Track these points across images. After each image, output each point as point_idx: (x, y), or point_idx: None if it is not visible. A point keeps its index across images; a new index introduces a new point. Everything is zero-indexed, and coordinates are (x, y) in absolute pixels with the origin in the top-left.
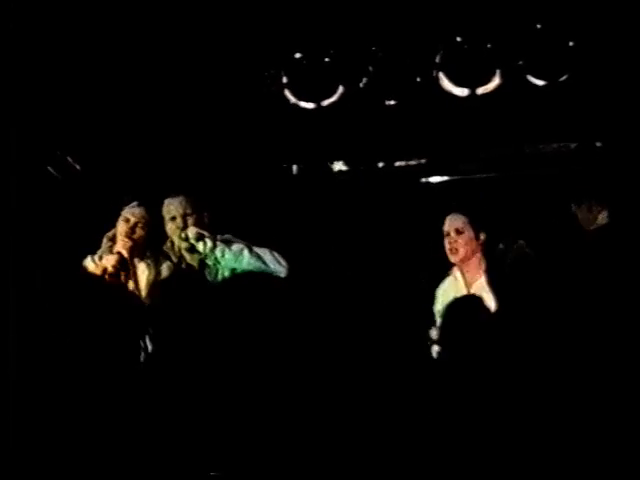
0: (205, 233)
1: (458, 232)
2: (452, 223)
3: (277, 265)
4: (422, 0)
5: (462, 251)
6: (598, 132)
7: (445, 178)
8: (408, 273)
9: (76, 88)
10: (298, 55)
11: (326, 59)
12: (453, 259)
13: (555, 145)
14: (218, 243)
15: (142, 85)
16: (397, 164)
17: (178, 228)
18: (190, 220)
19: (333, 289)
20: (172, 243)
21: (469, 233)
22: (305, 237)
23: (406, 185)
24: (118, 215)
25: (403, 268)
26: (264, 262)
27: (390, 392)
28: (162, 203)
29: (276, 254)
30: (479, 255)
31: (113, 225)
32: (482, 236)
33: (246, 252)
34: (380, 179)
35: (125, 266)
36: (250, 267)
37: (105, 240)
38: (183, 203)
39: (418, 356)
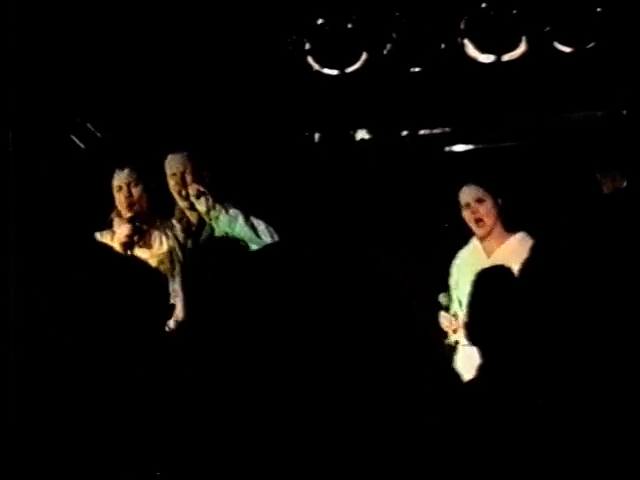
0: (206, 191)
1: (480, 201)
2: (471, 194)
3: (269, 239)
4: None
5: (488, 221)
6: (625, 100)
7: (470, 147)
8: (431, 244)
9: (94, 54)
10: (321, 21)
11: (349, 25)
12: (480, 232)
13: (581, 113)
14: (217, 204)
15: (163, 52)
16: (421, 132)
17: (177, 184)
18: (189, 178)
19: (353, 257)
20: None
21: (490, 201)
22: (326, 205)
23: (430, 154)
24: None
25: (426, 238)
26: (256, 233)
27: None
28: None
29: (271, 229)
30: (500, 223)
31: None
32: (500, 201)
33: (241, 218)
34: (403, 147)
35: (139, 233)
36: (242, 234)
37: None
38: (183, 159)
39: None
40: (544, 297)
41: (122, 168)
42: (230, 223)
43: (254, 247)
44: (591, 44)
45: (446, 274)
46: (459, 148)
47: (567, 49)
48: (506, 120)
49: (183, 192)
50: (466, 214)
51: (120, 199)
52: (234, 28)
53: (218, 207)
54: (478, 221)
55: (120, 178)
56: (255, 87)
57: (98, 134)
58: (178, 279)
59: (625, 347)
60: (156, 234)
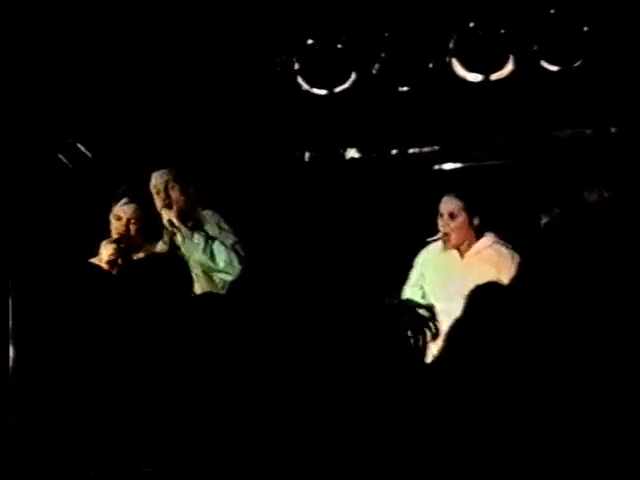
0: (174, 221)
1: (452, 216)
2: (446, 206)
3: (228, 266)
4: None
5: (454, 237)
6: (612, 118)
7: (458, 165)
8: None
9: (85, 74)
10: (310, 41)
11: (338, 45)
12: (446, 244)
13: (569, 131)
14: (184, 229)
15: (153, 71)
16: (410, 151)
17: (162, 201)
18: (174, 194)
19: (342, 276)
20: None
21: (462, 218)
22: (316, 225)
23: (419, 172)
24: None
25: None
26: (214, 260)
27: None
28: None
29: (234, 255)
30: (470, 240)
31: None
32: (476, 221)
33: (201, 246)
34: (393, 166)
35: (123, 255)
36: (200, 261)
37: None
38: (165, 176)
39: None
40: (535, 306)
41: (127, 202)
42: (190, 249)
43: (214, 274)
44: (578, 62)
45: None
46: (448, 166)
47: (554, 68)
48: (494, 138)
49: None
50: (439, 222)
51: (115, 227)
52: (224, 48)
53: (184, 231)
54: (445, 234)
55: (124, 210)
56: (245, 106)
57: (88, 154)
58: None
59: (613, 350)
60: (140, 255)
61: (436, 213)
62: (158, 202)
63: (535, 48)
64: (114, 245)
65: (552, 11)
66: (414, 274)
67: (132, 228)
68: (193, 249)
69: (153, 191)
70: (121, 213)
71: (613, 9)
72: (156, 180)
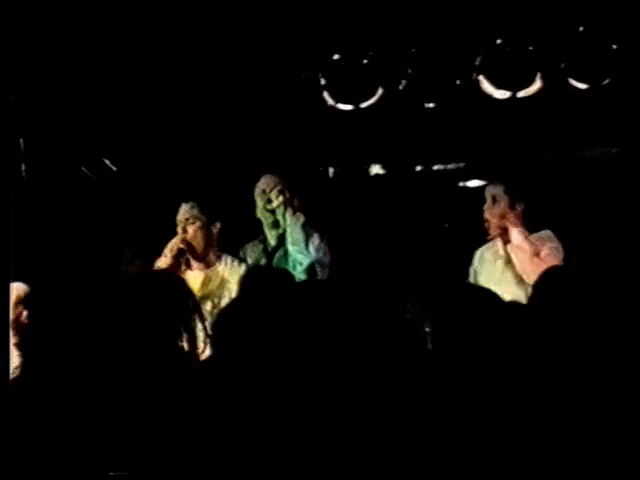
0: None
1: (494, 200)
2: (490, 190)
3: (312, 253)
4: (462, 2)
5: (494, 223)
6: None
7: (484, 182)
8: (445, 278)
9: (110, 88)
10: (336, 57)
11: (365, 61)
12: (489, 234)
13: (597, 149)
14: (290, 208)
15: (178, 87)
16: (435, 168)
17: (263, 200)
18: (191, 228)
19: (366, 292)
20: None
21: (504, 203)
22: (340, 240)
23: (444, 189)
24: (153, 215)
25: (440, 273)
26: (306, 242)
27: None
28: (202, 202)
29: (323, 246)
30: (519, 227)
31: (149, 225)
32: (519, 207)
33: (301, 221)
34: (418, 183)
35: (180, 258)
36: (294, 235)
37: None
38: (274, 178)
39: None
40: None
41: (185, 202)
42: (290, 223)
43: (296, 255)
44: (606, 81)
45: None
46: (473, 183)
47: (582, 86)
48: (520, 156)
49: (268, 206)
50: (484, 209)
51: (179, 234)
52: (250, 63)
53: (289, 210)
54: (485, 221)
55: (180, 213)
56: (270, 122)
57: (114, 168)
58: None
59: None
60: (196, 267)
61: (460, 229)
62: (258, 203)
63: (563, 66)
64: (167, 260)
65: (581, 29)
66: (471, 271)
67: (189, 229)
68: (291, 223)
69: (257, 192)
70: (179, 217)
71: None
72: (263, 181)
